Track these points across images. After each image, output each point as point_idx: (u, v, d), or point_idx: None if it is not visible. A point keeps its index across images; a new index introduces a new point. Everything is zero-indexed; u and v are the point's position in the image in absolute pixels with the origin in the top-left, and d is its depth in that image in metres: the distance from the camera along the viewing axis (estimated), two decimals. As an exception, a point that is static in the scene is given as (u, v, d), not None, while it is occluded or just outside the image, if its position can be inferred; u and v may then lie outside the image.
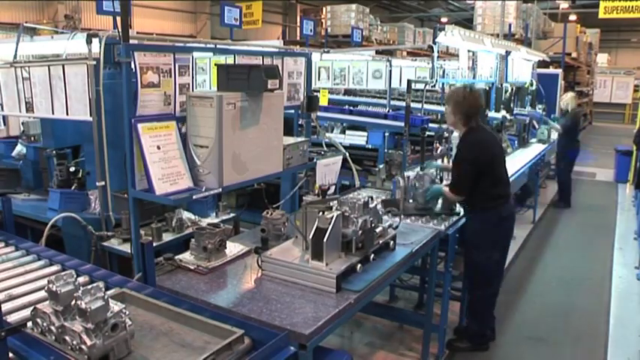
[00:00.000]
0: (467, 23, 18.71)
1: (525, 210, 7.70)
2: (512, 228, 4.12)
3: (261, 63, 3.36)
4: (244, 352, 1.88)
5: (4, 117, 5.18)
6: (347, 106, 7.32)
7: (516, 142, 7.52)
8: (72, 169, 3.96)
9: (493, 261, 3.86)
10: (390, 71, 7.59)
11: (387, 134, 6.14)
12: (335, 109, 7.02)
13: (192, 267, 2.62)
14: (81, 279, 2.30)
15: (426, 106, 6.20)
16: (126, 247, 2.97)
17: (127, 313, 1.84)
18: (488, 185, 3.73)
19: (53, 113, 3.46)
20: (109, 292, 2.06)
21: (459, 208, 3.82)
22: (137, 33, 5.44)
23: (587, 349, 4.19)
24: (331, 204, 2.76)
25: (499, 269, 4.03)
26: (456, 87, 4.23)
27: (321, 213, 2.54)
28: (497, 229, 3.83)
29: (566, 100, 8.64)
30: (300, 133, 3.86)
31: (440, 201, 3.81)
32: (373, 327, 4.32)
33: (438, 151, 4.72)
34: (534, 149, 7.50)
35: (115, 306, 1.82)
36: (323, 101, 7.06)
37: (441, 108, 5.94)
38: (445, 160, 4.62)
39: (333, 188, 3.60)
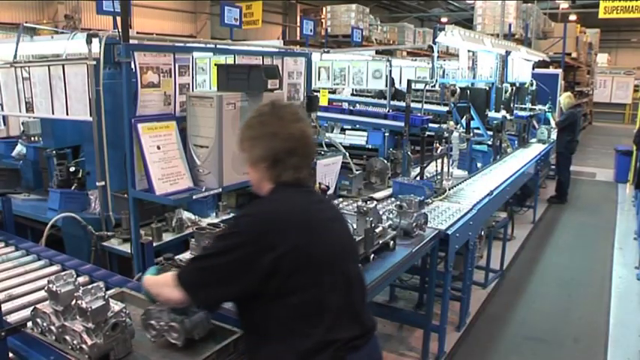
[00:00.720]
0: (467, 23, 18.71)
1: (525, 210, 7.70)
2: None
3: (261, 63, 3.36)
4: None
5: (4, 117, 5.18)
6: (347, 106, 7.33)
7: (516, 142, 7.53)
8: (72, 169, 3.96)
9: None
10: (390, 71, 7.59)
11: (387, 134, 6.14)
12: (335, 109, 7.02)
13: (192, 267, 2.61)
14: (81, 279, 2.30)
15: (426, 106, 6.20)
16: (126, 247, 2.97)
17: (127, 312, 1.84)
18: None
19: (53, 113, 3.46)
20: (109, 292, 2.06)
21: None
22: (137, 33, 5.44)
23: (587, 349, 4.19)
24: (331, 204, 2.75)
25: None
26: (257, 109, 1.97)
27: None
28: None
29: (562, 99, 9.06)
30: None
31: None
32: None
33: (439, 151, 4.70)
34: (534, 149, 7.51)
35: (115, 306, 1.82)
36: (323, 101, 7.05)
37: (442, 108, 5.93)
38: (445, 160, 4.61)
39: (332, 188, 3.61)
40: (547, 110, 9.38)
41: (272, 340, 1.69)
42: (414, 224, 3.21)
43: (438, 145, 4.76)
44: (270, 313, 1.67)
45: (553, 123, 8.80)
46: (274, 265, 1.61)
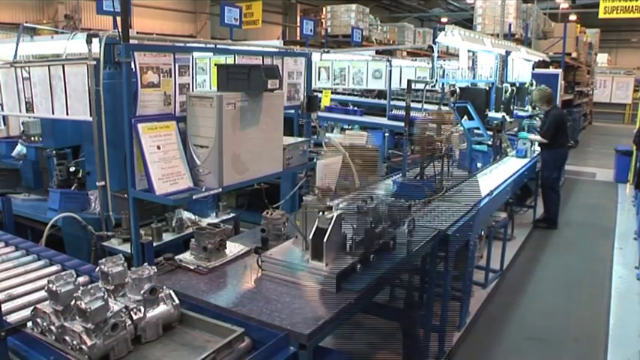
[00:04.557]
0: (467, 23, 18.71)
1: (525, 210, 7.70)
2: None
3: (261, 63, 3.36)
4: (244, 352, 1.88)
5: (4, 117, 5.19)
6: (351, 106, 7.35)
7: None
8: (72, 169, 3.96)
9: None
10: (390, 71, 7.59)
11: (387, 134, 6.14)
12: (340, 109, 7.03)
13: (192, 267, 2.62)
14: (81, 279, 2.30)
15: (426, 106, 6.20)
16: (126, 247, 2.98)
17: (127, 312, 1.84)
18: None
19: (53, 113, 3.47)
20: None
21: None
22: (137, 33, 5.44)
23: (587, 349, 4.19)
24: (331, 204, 2.76)
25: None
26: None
27: (321, 213, 2.54)
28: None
29: (534, 96, 7.25)
30: (300, 133, 3.86)
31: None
32: (373, 327, 4.32)
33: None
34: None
35: (115, 306, 1.82)
36: (325, 102, 7.06)
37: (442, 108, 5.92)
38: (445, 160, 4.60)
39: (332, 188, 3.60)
40: (524, 127, 7.49)
41: None
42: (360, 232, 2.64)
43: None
44: None
45: (536, 139, 6.90)
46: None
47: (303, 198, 3.21)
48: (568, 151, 7.47)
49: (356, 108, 7.78)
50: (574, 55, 14.81)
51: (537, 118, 7.64)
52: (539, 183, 7.20)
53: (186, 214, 3.53)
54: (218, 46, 5.43)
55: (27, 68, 3.57)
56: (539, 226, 7.21)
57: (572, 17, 20.70)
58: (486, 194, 4.54)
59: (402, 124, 5.12)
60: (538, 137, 6.88)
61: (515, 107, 7.54)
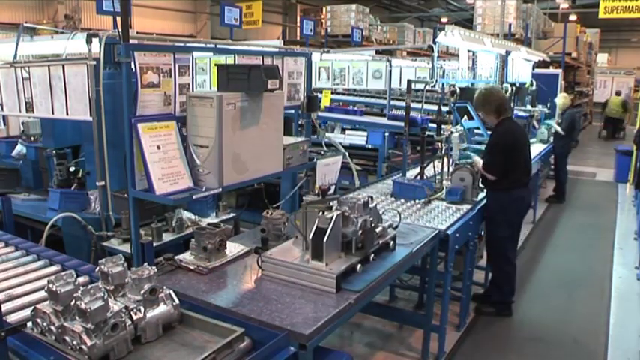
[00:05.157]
0: (467, 23, 18.72)
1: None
2: (522, 212, 4.47)
3: (261, 63, 3.36)
4: (244, 352, 1.88)
5: (4, 117, 5.19)
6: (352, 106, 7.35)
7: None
8: (72, 169, 3.96)
9: (502, 235, 4.29)
10: (390, 71, 7.59)
11: (387, 134, 6.15)
12: (340, 109, 7.02)
13: (192, 267, 2.62)
14: (81, 279, 2.30)
15: (426, 106, 6.20)
16: (126, 247, 2.98)
17: (127, 312, 1.84)
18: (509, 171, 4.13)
19: (53, 113, 3.47)
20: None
21: None
22: (137, 33, 5.44)
23: (587, 349, 4.19)
24: (331, 204, 2.76)
25: (509, 243, 4.43)
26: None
27: (321, 213, 2.54)
28: (508, 210, 4.23)
29: (558, 101, 8.87)
30: (300, 133, 3.86)
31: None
32: (373, 327, 4.32)
33: (438, 152, 4.67)
34: (535, 148, 7.44)
35: (115, 306, 1.82)
36: (325, 102, 7.05)
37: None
38: (445, 160, 4.60)
39: (333, 188, 3.61)
40: (547, 113, 9.00)
41: None
42: (360, 232, 2.63)
43: (438, 145, 4.72)
44: None
45: (558, 129, 8.27)
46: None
47: (303, 198, 3.22)
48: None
49: (362, 108, 7.73)
50: (574, 55, 14.83)
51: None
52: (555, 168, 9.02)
53: (186, 214, 3.53)
54: (218, 46, 5.43)
55: (27, 68, 3.57)
56: (551, 201, 8.65)
57: (572, 17, 20.69)
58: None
59: (402, 124, 5.13)
60: (558, 128, 8.38)
61: (515, 107, 7.54)
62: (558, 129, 8.22)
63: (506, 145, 4.18)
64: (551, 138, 8.26)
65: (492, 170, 4.14)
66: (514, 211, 4.29)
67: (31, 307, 1.91)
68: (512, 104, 7.28)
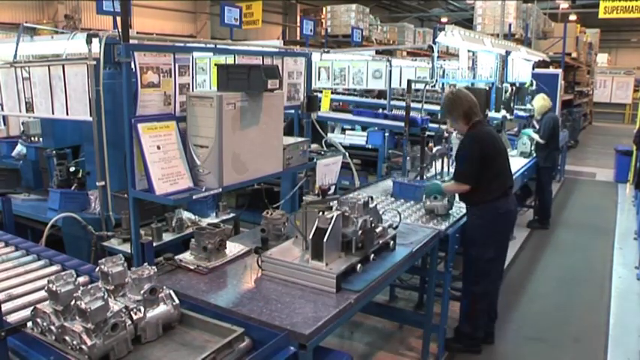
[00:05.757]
0: (467, 23, 18.72)
1: (525, 210, 7.70)
2: (509, 226, 3.94)
3: (261, 63, 3.36)
4: (244, 352, 1.88)
5: (4, 117, 5.19)
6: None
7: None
8: (72, 169, 3.96)
9: (486, 258, 3.66)
10: (390, 71, 7.59)
11: (387, 134, 6.14)
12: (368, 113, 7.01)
13: (192, 267, 2.62)
14: (81, 279, 2.30)
15: (426, 106, 6.20)
16: (126, 247, 2.97)
17: (127, 312, 1.84)
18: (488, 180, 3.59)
19: (53, 113, 3.47)
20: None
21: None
22: (137, 33, 5.44)
23: (587, 349, 4.19)
24: (331, 204, 2.76)
25: (493, 268, 3.79)
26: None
27: (321, 213, 2.54)
28: (493, 225, 3.65)
29: (535, 103, 7.41)
30: (301, 134, 3.86)
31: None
32: (373, 327, 4.32)
33: (433, 150, 4.64)
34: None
35: (115, 306, 1.82)
36: (325, 102, 7.03)
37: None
38: (445, 160, 4.60)
39: (332, 188, 3.60)
40: (527, 118, 7.77)
41: None
42: (360, 232, 2.63)
43: (431, 145, 4.69)
44: None
45: (536, 137, 6.92)
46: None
47: (303, 198, 3.22)
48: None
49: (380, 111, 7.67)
50: (574, 55, 14.81)
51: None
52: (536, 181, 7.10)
53: (186, 214, 3.52)
54: (218, 46, 5.42)
55: (27, 68, 3.57)
56: (534, 226, 7.23)
57: (572, 17, 20.69)
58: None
59: (402, 124, 5.13)
60: (536, 136, 6.84)
61: (515, 107, 7.54)
62: (536, 137, 6.92)
63: (482, 150, 3.61)
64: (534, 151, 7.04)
65: (467, 179, 3.64)
66: (501, 226, 3.75)
67: (31, 307, 1.91)
68: (512, 104, 7.29)
